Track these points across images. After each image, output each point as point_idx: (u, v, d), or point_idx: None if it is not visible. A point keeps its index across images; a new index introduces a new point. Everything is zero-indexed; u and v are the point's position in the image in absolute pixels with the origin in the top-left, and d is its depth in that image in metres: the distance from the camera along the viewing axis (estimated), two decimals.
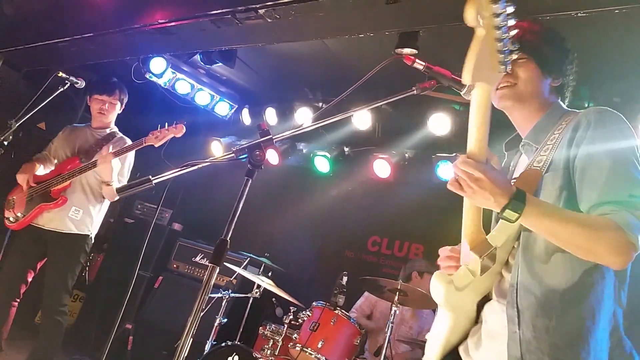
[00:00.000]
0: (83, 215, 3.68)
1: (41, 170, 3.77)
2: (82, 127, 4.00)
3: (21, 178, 3.69)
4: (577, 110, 1.64)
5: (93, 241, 3.80)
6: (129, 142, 3.85)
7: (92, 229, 3.75)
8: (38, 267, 3.70)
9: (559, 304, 1.40)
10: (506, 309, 1.48)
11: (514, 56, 1.32)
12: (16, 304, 3.59)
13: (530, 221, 1.39)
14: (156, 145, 3.60)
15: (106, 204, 3.86)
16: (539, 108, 1.67)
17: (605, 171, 1.40)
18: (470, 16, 1.22)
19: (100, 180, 3.68)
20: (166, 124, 3.65)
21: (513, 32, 1.28)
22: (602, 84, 3.49)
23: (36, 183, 3.69)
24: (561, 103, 1.71)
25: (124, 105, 3.98)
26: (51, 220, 3.63)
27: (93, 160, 3.64)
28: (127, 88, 3.98)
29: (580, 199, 1.43)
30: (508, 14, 1.24)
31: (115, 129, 3.99)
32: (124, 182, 3.71)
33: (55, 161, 3.83)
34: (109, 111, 3.86)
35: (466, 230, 1.51)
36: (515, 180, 1.57)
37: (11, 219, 3.71)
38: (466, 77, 1.26)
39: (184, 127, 3.61)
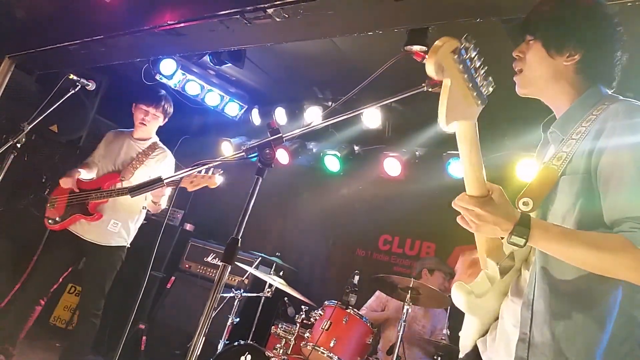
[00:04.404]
0: (121, 228, 3.72)
1: (85, 174, 3.76)
2: (125, 134, 3.97)
3: (67, 182, 3.65)
4: (616, 96, 1.51)
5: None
6: (169, 153, 3.91)
7: (128, 239, 3.80)
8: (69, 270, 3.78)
9: (568, 310, 1.37)
10: (521, 310, 1.46)
11: (490, 89, 1.24)
12: (43, 302, 3.66)
13: (539, 244, 1.36)
14: (189, 190, 3.43)
15: (143, 214, 3.88)
16: (569, 91, 1.54)
17: (628, 183, 1.31)
18: (431, 70, 1.13)
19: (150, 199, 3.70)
20: (203, 170, 3.36)
21: (482, 71, 1.21)
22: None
23: (79, 189, 3.69)
24: (601, 87, 1.53)
25: (167, 119, 3.97)
26: (90, 232, 3.65)
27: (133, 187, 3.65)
28: (136, 90, 3.99)
29: (604, 213, 1.35)
30: (472, 58, 1.17)
31: (156, 140, 4.00)
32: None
33: (96, 170, 3.83)
34: (150, 122, 3.87)
35: (480, 237, 1.50)
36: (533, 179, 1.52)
37: (50, 221, 3.73)
38: (441, 121, 1.19)
39: (219, 178, 3.41)
